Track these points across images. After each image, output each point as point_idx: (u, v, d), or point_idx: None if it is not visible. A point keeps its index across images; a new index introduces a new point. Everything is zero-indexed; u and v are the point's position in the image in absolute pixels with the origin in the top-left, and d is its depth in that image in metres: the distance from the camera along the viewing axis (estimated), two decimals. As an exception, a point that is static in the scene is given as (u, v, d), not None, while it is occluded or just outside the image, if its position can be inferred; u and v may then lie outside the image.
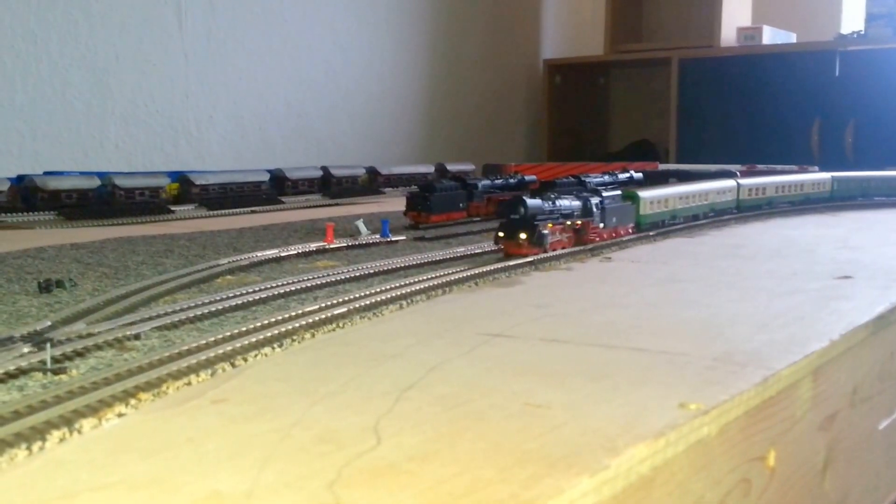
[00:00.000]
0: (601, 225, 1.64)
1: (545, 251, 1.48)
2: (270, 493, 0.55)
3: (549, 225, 1.49)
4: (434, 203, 1.95)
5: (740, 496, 0.76)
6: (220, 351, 0.86)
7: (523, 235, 1.44)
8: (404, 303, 1.15)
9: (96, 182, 2.39)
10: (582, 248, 1.59)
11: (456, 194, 2.05)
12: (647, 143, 5.20)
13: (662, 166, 3.82)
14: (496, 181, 2.28)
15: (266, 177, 2.83)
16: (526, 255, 1.44)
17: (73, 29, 3.02)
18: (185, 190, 2.59)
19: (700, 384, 0.79)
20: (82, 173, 2.48)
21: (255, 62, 3.64)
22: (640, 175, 2.73)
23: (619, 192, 1.78)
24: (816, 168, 3.23)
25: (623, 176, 2.61)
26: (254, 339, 0.91)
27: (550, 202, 1.50)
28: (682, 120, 4.82)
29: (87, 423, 0.67)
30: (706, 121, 4.77)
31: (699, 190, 2.15)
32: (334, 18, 3.98)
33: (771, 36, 4.75)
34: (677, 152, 4.78)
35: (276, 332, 0.94)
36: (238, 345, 0.89)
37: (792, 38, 4.87)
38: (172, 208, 2.48)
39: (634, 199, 1.81)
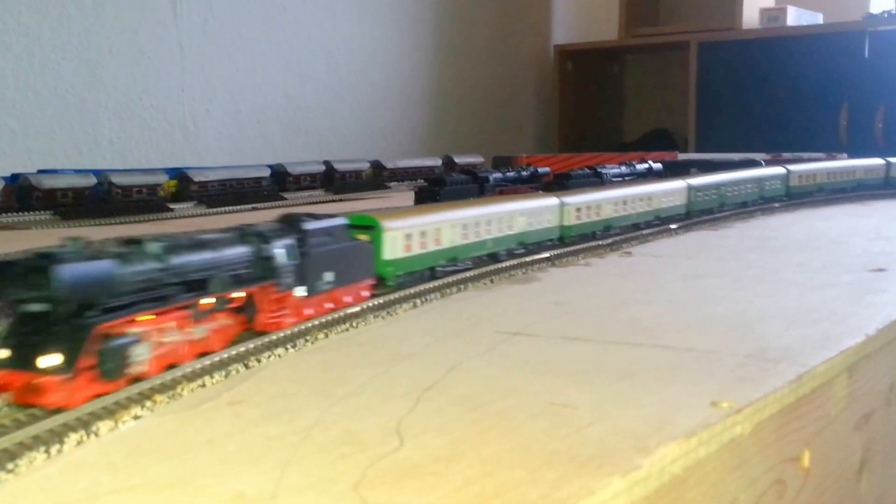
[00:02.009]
0: (300, 290, 0.99)
1: (127, 382, 0.76)
2: (295, 494, 0.57)
3: (146, 318, 0.79)
4: (444, 197, 1.95)
5: (775, 497, 0.77)
6: (234, 352, 0.88)
7: (50, 360, 0.69)
8: (418, 301, 1.17)
9: (93, 180, 2.40)
10: (245, 348, 0.91)
11: (467, 188, 2.06)
12: (664, 131, 5.19)
13: (682, 156, 3.81)
14: (508, 174, 2.28)
15: (267, 172, 2.84)
16: (56, 405, 0.69)
17: (66, 21, 3.04)
18: (184, 187, 2.60)
19: (731, 382, 0.80)
20: (77, 171, 2.49)
21: (253, 53, 3.65)
22: (658, 166, 2.73)
23: (337, 221, 1.11)
24: (845, 155, 3.23)
25: (641, 167, 2.61)
26: (266, 340, 0.93)
27: (151, 260, 0.80)
28: (701, 107, 4.80)
29: (103, 426, 0.69)
30: (727, 108, 4.75)
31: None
32: (335, 6, 3.99)
33: (796, 17, 4.73)
34: (697, 141, 4.76)
35: (289, 332, 0.96)
36: (251, 345, 0.90)
37: (818, 18, 4.84)
38: (171, 206, 2.49)
39: (374, 235, 1.18)
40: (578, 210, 1.61)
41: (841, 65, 4.43)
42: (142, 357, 0.77)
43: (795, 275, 1.40)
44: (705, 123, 4.79)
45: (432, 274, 1.29)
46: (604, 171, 2.39)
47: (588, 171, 2.36)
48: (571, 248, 1.58)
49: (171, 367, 0.81)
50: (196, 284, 0.85)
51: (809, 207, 2.38)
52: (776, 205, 2.30)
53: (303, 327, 0.98)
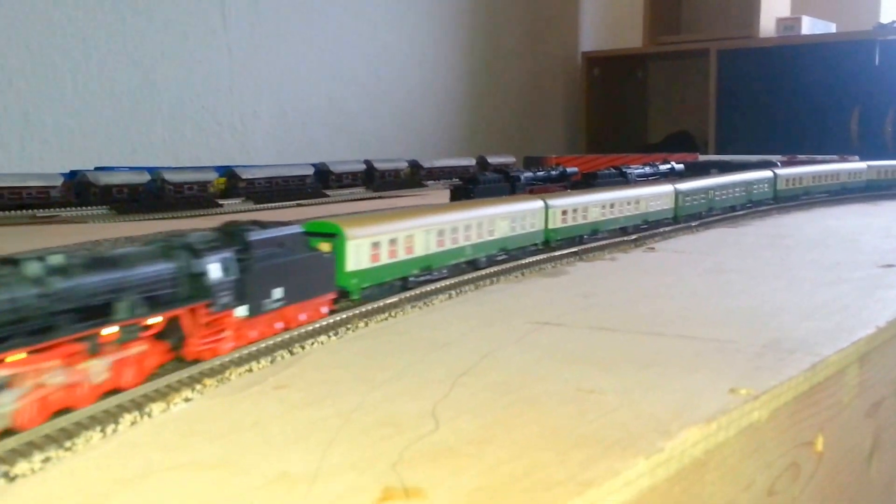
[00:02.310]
0: (241, 310, 0.83)
1: None
2: (336, 473, 0.57)
3: (16, 357, 0.62)
4: (478, 195, 1.95)
5: (790, 480, 0.76)
6: (279, 339, 0.88)
7: None
8: (454, 292, 1.17)
9: (146, 177, 2.43)
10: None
11: (499, 186, 2.06)
12: (685, 134, 5.15)
13: (702, 157, 3.78)
14: (538, 173, 2.28)
15: (311, 170, 2.86)
16: None
17: (121, 27, 3.07)
18: (232, 184, 2.63)
19: (750, 370, 0.80)
20: (132, 168, 2.52)
21: (298, 57, 3.66)
22: (680, 166, 2.72)
23: (290, 229, 0.94)
24: (857, 158, 3.19)
25: (664, 167, 2.60)
26: (311, 328, 0.93)
27: (26, 285, 0.63)
28: (720, 111, 4.77)
29: (156, 407, 0.70)
30: (745, 112, 4.72)
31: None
32: (375, 12, 4.00)
33: (810, 26, 4.69)
34: (716, 143, 4.73)
35: (332, 320, 0.96)
36: (296, 333, 0.91)
37: (831, 27, 4.80)
38: (220, 202, 2.51)
39: (336, 243, 1.02)
40: (564, 213, 1.49)
41: (852, 71, 4.39)
42: (5, 407, 0.59)
43: (809, 271, 1.38)
44: (724, 126, 4.76)
45: (404, 285, 1.13)
46: (628, 170, 2.38)
47: (613, 170, 2.35)
48: (597, 244, 1.56)
49: (65, 412, 0.64)
50: (96, 311, 0.67)
51: (823, 206, 2.35)
52: (765, 207, 2.21)
53: (344, 315, 0.99)
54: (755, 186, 2.18)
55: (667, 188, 1.82)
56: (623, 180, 2.22)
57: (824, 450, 0.82)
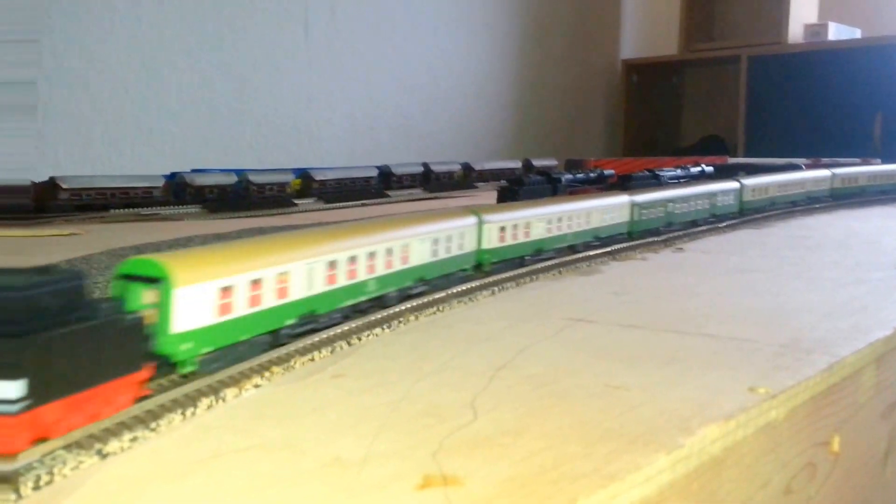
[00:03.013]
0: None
1: None
2: (382, 459, 0.56)
3: None
4: (522, 196, 1.93)
5: (806, 480, 0.73)
6: (339, 330, 0.88)
7: None
8: (496, 289, 1.15)
9: (234, 178, 2.45)
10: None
11: (542, 188, 2.03)
12: (716, 138, 5.04)
13: (732, 160, 3.69)
14: (578, 175, 2.24)
15: (375, 173, 2.86)
16: None
17: (220, 42, 3.12)
18: (307, 185, 2.64)
19: (768, 369, 0.76)
20: (222, 170, 2.56)
21: (368, 69, 3.68)
22: (710, 168, 2.65)
23: (56, 277, 0.55)
24: (879, 161, 3.08)
25: (695, 170, 2.54)
26: (367, 321, 0.92)
27: None
28: (750, 115, 4.65)
29: (230, 393, 0.70)
30: (773, 116, 4.59)
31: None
32: (437, 25, 3.99)
33: (836, 32, 4.53)
34: (745, 146, 4.62)
35: (386, 314, 0.96)
36: (354, 325, 0.90)
37: (856, 33, 4.62)
38: (296, 201, 2.53)
39: (162, 292, 0.65)
40: (502, 230, 1.18)
41: (876, 76, 4.24)
42: None
43: (830, 271, 1.33)
44: (754, 130, 4.64)
45: (275, 341, 0.78)
46: (661, 173, 2.33)
47: (648, 173, 2.30)
48: (631, 244, 1.52)
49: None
50: None
51: (846, 209, 2.27)
52: (728, 222, 1.88)
53: (396, 310, 0.98)
54: (719, 198, 1.85)
55: (622, 199, 1.52)
56: (657, 182, 2.17)
57: (840, 450, 0.78)
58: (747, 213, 1.96)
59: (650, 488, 0.54)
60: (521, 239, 1.23)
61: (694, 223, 1.76)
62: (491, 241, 1.15)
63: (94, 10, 2.78)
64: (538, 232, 1.27)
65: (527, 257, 1.26)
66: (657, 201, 1.61)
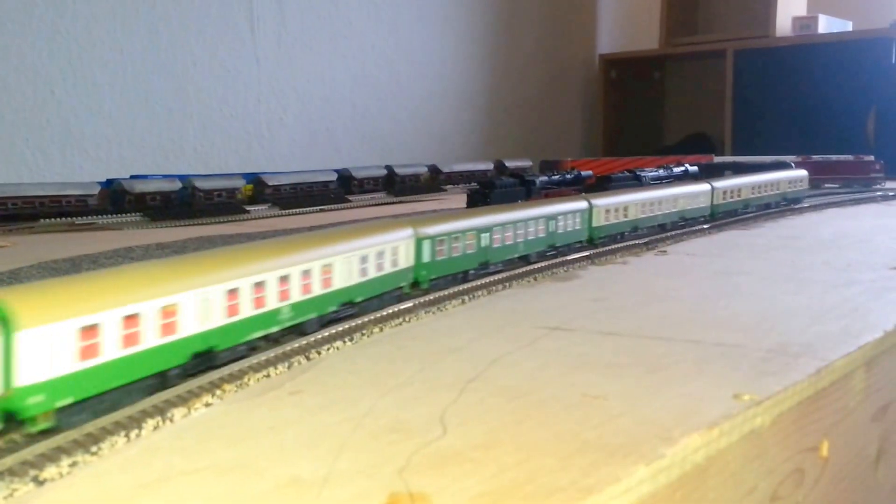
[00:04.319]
0: None
1: None
2: (345, 479, 0.57)
3: None
4: (494, 200, 1.95)
5: (793, 486, 0.76)
6: (296, 345, 0.89)
7: None
8: (466, 298, 1.17)
9: (178, 185, 2.45)
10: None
11: (515, 191, 2.05)
12: (702, 135, 5.11)
13: (718, 159, 3.75)
14: (553, 177, 2.27)
15: (334, 177, 2.87)
16: None
17: (155, 37, 3.10)
18: (259, 191, 2.64)
19: (754, 375, 0.79)
20: (165, 176, 2.55)
21: (323, 65, 3.69)
22: (695, 168, 2.69)
23: None
24: (872, 157, 3.15)
25: (678, 170, 2.58)
26: (326, 334, 0.93)
27: None
28: (737, 112, 4.73)
29: (178, 412, 0.70)
30: (761, 112, 4.67)
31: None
32: (397, 22, 4.01)
33: (826, 25, 4.63)
34: (733, 144, 4.69)
35: (347, 326, 0.97)
36: (312, 339, 0.91)
37: (848, 26, 4.73)
38: (247, 208, 2.53)
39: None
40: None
41: (869, 70, 4.34)
42: None
43: (820, 273, 1.36)
44: (741, 127, 4.72)
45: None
46: (643, 173, 2.37)
47: (628, 173, 2.33)
48: (609, 248, 1.55)
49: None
50: None
51: (836, 207, 2.32)
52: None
53: (359, 321, 0.99)
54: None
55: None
56: (637, 183, 2.20)
57: (829, 455, 0.81)
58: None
59: (630, 500, 0.56)
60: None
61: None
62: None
63: (7, 2, 2.73)
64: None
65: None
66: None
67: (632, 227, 1.65)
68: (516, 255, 1.32)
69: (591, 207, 1.50)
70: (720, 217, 1.95)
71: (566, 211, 1.43)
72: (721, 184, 1.97)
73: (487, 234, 1.24)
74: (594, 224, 1.51)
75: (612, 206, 1.57)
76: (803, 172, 2.31)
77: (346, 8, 3.77)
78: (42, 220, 2.21)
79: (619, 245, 1.56)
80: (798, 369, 0.80)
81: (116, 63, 2.99)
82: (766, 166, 2.55)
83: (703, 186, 1.93)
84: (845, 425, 0.85)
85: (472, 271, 1.22)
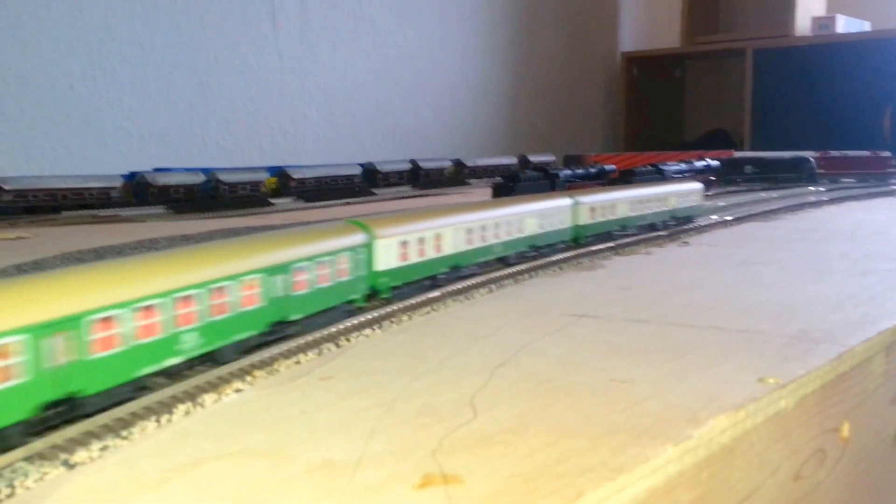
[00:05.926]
0: None
1: None
2: (378, 461, 0.57)
3: None
4: (518, 192, 1.95)
5: (815, 465, 0.76)
6: (326, 332, 0.89)
7: None
8: (494, 286, 1.17)
9: (201, 177, 2.46)
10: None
11: (539, 184, 2.05)
12: (722, 131, 5.09)
13: (738, 154, 3.74)
14: (577, 171, 2.27)
15: (358, 170, 2.88)
16: None
17: (176, 33, 3.11)
18: (284, 183, 2.65)
19: (777, 360, 0.79)
20: (188, 169, 2.56)
21: (346, 61, 3.69)
22: (716, 163, 2.69)
23: None
24: (888, 153, 3.14)
25: (699, 164, 2.57)
26: (356, 321, 0.94)
27: None
28: (756, 109, 4.71)
29: (209, 398, 0.71)
30: (780, 109, 4.65)
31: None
32: (420, 17, 4.01)
33: (845, 24, 4.60)
34: (752, 140, 4.67)
35: (377, 314, 0.97)
36: (342, 326, 0.92)
37: (866, 26, 4.70)
38: (272, 201, 2.54)
39: None
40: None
41: (886, 69, 4.32)
42: None
43: (839, 263, 1.36)
44: (760, 124, 4.70)
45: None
46: (665, 167, 2.36)
47: (651, 167, 2.33)
48: (633, 239, 1.54)
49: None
50: None
51: (853, 200, 2.31)
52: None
53: (388, 310, 1.00)
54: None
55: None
56: (661, 177, 2.20)
57: (850, 436, 0.81)
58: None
59: (658, 479, 0.56)
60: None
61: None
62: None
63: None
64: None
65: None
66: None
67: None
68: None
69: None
70: (586, 242, 1.46)
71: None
72: (587, 199, 1.45)
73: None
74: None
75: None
76: (698, 185, 1.82)
77: (369, 4, 3.77)
78: (64, 213, 2.22)
79: (643, 237, 1.55)
80: (820, 354, 0.80)
81: (136, 58, 3.00)
82: (766, 164, 2.53)
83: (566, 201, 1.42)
84: (865, 408, 0.85)
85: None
